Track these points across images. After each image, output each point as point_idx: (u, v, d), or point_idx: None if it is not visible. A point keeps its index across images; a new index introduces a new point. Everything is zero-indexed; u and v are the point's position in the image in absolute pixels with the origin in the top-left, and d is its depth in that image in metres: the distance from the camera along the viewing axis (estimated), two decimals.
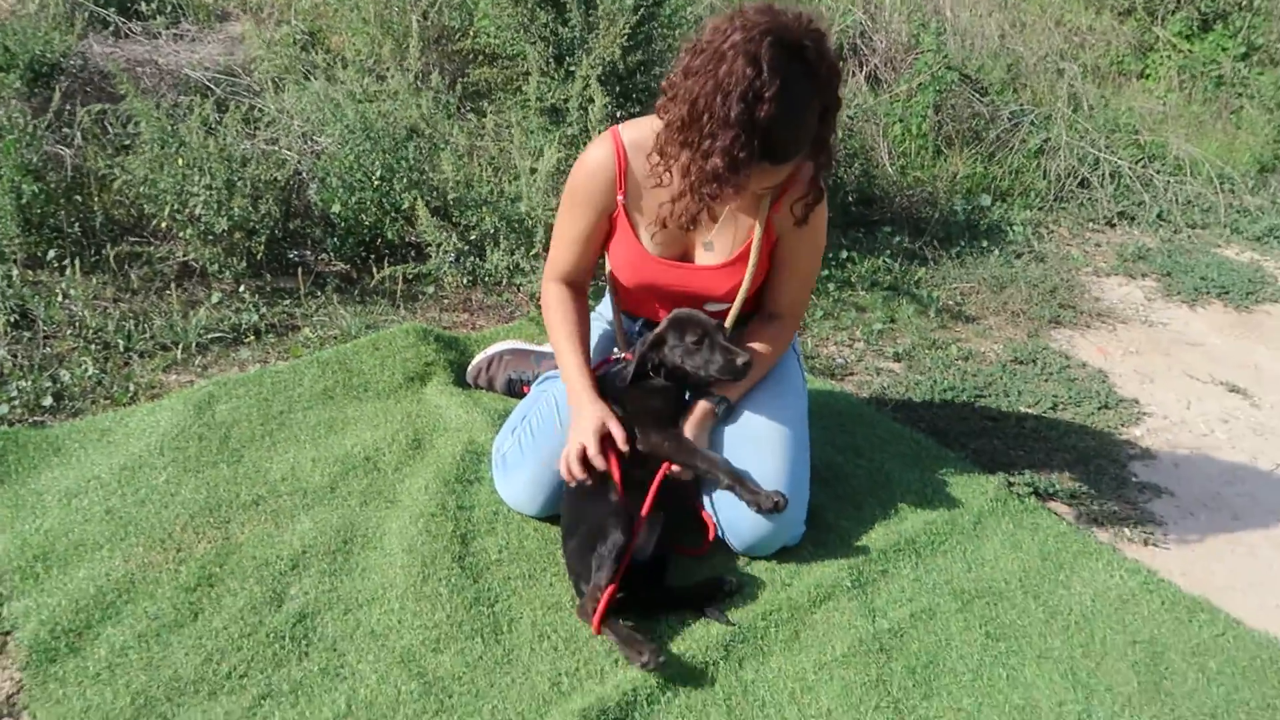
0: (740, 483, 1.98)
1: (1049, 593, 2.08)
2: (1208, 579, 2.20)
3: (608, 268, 2.26)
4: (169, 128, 2.82)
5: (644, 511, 1.90)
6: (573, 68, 3.21)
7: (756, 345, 2.10)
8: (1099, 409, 2.86)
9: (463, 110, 3.63)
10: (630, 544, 1.83)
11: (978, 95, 5.12)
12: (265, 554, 1.93)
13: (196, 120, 2.93)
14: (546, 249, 2.70)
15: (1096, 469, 2.56)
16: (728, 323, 2.08)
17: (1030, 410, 2.81)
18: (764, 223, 1.99)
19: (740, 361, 1.95)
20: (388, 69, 3.40)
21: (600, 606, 1.78)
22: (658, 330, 2.04)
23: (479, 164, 3.06)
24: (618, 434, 1.93)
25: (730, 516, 2.03)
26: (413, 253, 3.25)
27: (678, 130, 1.75)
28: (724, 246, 2.03)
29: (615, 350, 2.23)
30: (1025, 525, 2.28)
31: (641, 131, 1.97)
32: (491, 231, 2.96)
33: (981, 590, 2.06)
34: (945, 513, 2.27)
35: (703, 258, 2.05)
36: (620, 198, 2.00)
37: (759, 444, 2.06)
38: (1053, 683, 1.84)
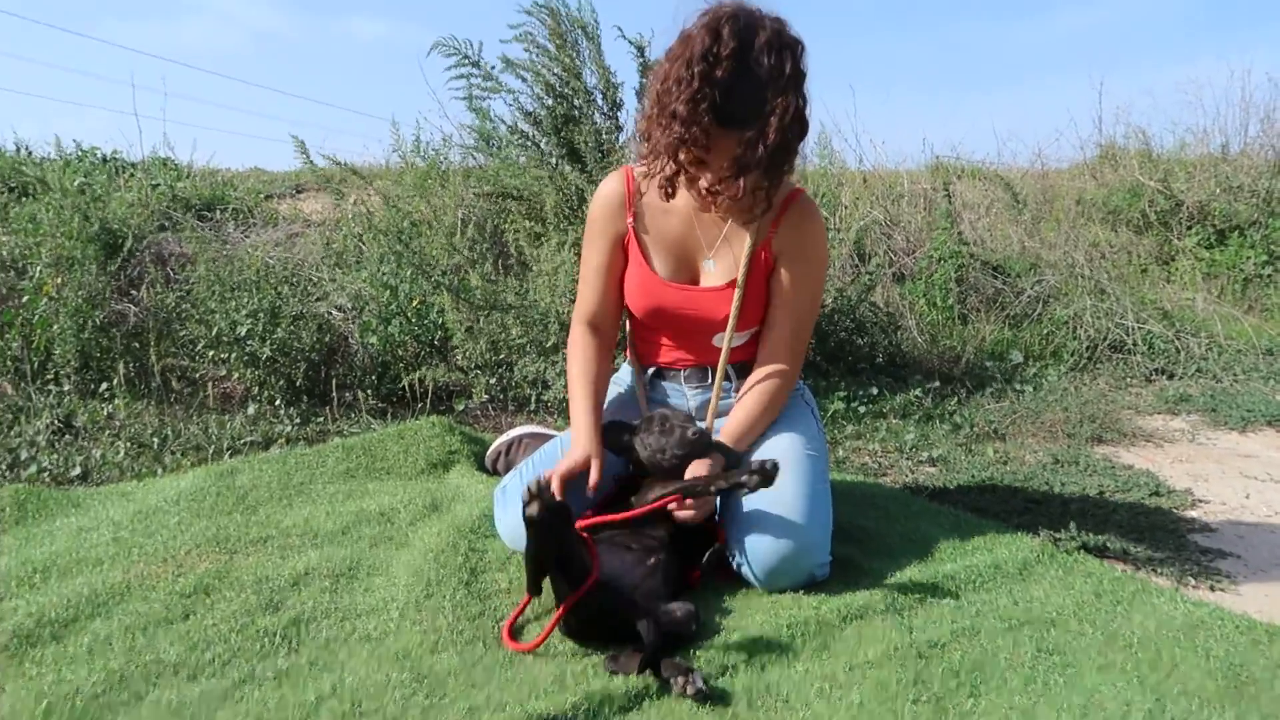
0: (724, 478, 1.89)
1: (1105, 621, 1.88)
2: None
3: (625, 325, 2.31)
4: (223, 251, 3.05)
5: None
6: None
7: (749, 393, 2.08)
8: (1150, 495, 2.71)
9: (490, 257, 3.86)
10: (591, 576, 1.72)
11: (998, 274, 5.29)
12: (267, 573, 1.87)
13: (252, 255, 3.18)
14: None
15: (1152, 537, 2.39)
16: (724, 346, 2.09)
17: (1075, 494, 2.68)
18: (758, 238, 2.04)
19: (690, 433, 1.93)
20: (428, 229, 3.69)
21: (513, 614, 1.75)
22: (638, 423, 2.05)
23: (504, 283, 3.22)
24: (593, 475, 1.92)
25: (748, 542, 1.93)
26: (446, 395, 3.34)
27: (654, 110, 1.84)
28: (725, 267, 2.08)
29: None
30: (1076, 571, 2.11)
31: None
32: (519, 342, 3.06)
33: (1030, 619, 1.88)
34: (987, 558, 2.13)
35: (706, 279, 2.10)
36: (629, 220, 2.09)
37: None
38: (1116, 687, 1.63)
